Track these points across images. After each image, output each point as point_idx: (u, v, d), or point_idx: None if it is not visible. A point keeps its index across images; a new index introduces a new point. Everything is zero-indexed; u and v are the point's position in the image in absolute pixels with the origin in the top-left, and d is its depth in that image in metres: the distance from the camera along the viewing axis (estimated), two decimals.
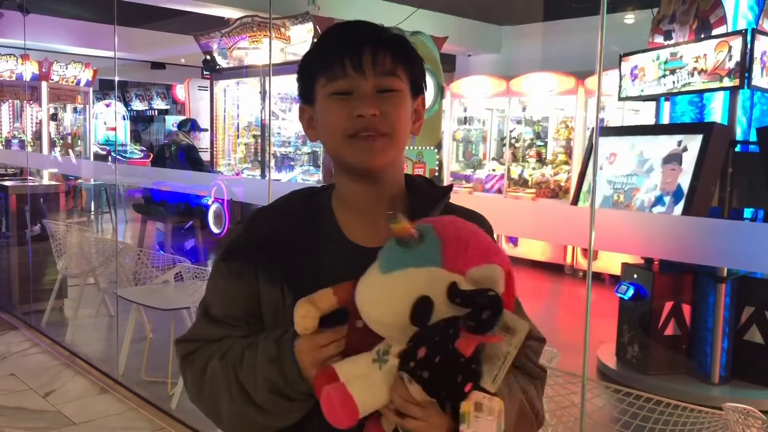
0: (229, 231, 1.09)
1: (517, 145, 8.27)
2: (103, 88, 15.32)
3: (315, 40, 1.06)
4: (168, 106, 16.75)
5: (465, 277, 0.83)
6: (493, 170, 8.38)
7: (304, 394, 0.96)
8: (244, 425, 1.02)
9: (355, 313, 0.90)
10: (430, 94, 5.33)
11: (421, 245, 0.86)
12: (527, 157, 8.14)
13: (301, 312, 0.92)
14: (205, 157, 7.44)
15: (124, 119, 14.24)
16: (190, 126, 7.10)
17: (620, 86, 4.93)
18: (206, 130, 7.86)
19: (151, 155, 11.58)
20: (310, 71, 1.03)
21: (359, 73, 0.98)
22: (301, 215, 1.06)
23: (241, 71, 6.83)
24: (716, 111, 4.31)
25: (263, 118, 6.70)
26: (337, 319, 0.93)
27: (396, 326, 0.85)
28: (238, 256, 1.05)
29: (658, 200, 4.17)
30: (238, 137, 7.33)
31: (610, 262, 5.62)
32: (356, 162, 1.01)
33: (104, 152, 11.78)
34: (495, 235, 1.17)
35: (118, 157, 8.57)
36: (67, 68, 10.00)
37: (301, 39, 5.95)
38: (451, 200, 1.12)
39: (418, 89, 1.06)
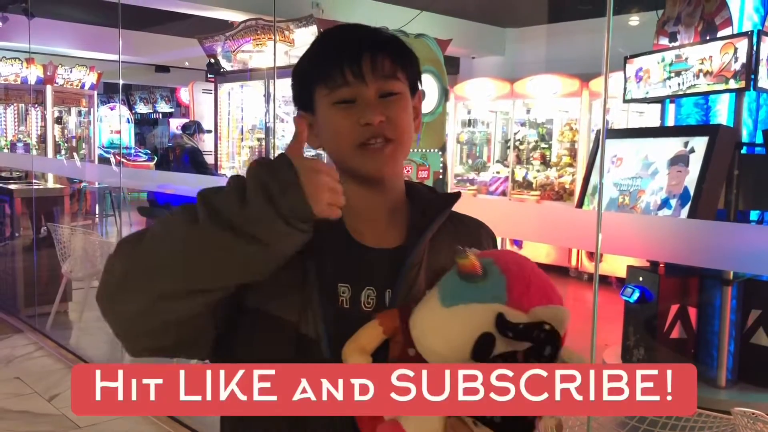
0: None
1: (521, 147, 8.27)
2: (108, 92, 15.37)
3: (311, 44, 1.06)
4: (172, 109, 16.81)
5: (527, 315, 0.83)
6: (498, 173, 8.38)
7: (307, 223, 0.84)
8: (208, 266, 0.84)
9: (407, 342, 0.90)
10: (434, 97, 5.32)
11: (485, 281, 0.86)
12: (531, 159, 8.14)
13: (354, 362, 0.91)
14: (210, 159, 7.45)
15: (129, 122, 14.28)
16: (194, 129, 7.11)
17: (625, 88, 4.92)
18: (210, 131, 7.86)
19: (155, 158, 11.61)
20: (308, 79, 1.02)
21: (360, 80, 0.97)
22: None
23: (245, 74, 6.84)
24: (722, 113, 4.29)
25: (267, 120, 6.71)
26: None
27: (454, 360, 0.85)
28: None
29: (664, 203, 4.16)
30: (242, 140, 7.34)
31: (616, 265, 5.61)
32: (367, 171, 1.00)
33: (108, 155, 11.82)
34: (498, 241, 1.17)
35: (122, 159, 8.60)
36: (71, 72, 10.04)
37: (305, 42, 5.96)
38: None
39: (415, 87, 1.06)
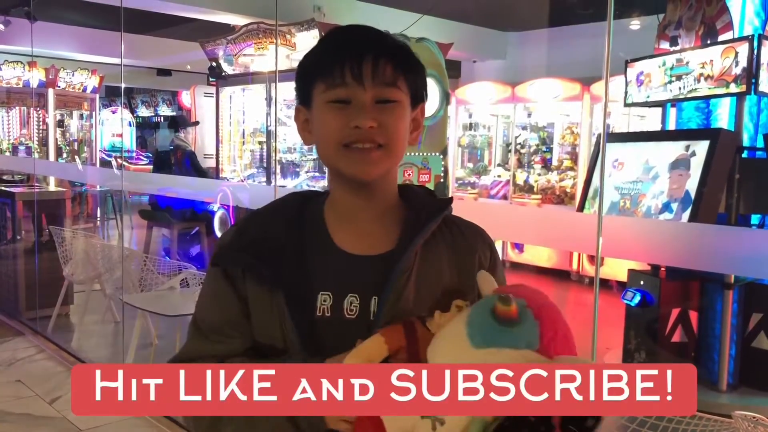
0: (221, 235, 1.08)
1: (522, 151, 8.27)
2: (110, 95, 15.40)
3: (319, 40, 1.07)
4: (174, 113, 16.81)
5: (552, 361, 0.82)
6: (499, 176, 8.38)
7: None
8: None
9: (411, 361, 0.88)
10: (435, 100, 5.33)
11: (519, 326, 0.84)
12: (533, 163, 8.14)
13: None
14: (211, 163, 7.45)
15: (130, 126, 14.30)
16: (184, 125, 7.09)
17: (626, 92, 4.93)
18: (197, 123, 7.85)
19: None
20: (309, 74, 1.01)
21: (358, 83, 0.96)
22: (293, 219, 1.05)
23: (246, 78, 6.84)
24: (723, 117, 4.29)
25: (269, 124, 6.71)
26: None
27: None
28: (228, 259, 1.03)
29: (666, 206, 4.16)
30: (243, 144, 7.34)
31: (617, 269, 5.60)
32: (350, 173, 0.99)
33: (110, 158, 11.83)
34: (500, 244, 1.16)
35: (123, 163, 8.61)
36: (73, 75, 10.06)
37: (306, 46, 5.95)
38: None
39: (418, 99, 1.04)
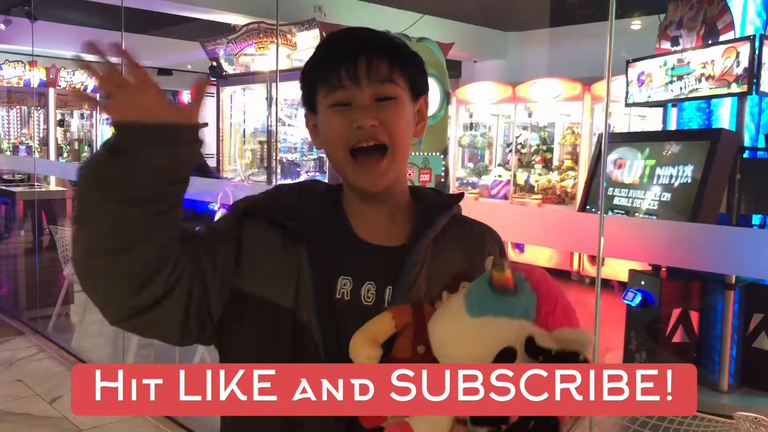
0: (246, 196, 1.09)
1: (523, 151, 8.27)
2: None
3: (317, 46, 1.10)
4: None
5: (551, 334, 0.82)
6: (499, 176, 8.38)
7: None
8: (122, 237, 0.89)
9: (416, 339, 0.90)
10: (436, 100, 5.33)
11: (516, 296, 0.85)
12: (533, 163, 8.13)
13: (365, 352, 0.92)
14: (211, 162, 7.45)
15: None
16: None
17: (627, 92, 4.92)
18: (206, 125, 7.79)
19: None
20: (311, 81, 1.04)
21: (355, 83, 0.98)
22: (320, 199, 1.08)
23: (247, 77, 6.84)
24: (724, 117, 4.29)
25: (269, 124, 6.71)
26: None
27: None
28: (262, 213, 1.03)
29: (666, 207, 4.15)
30: (244, 143, 7.34)
31: (618, 269, 5.60)
32: (359, 185, 1.02)
33: None
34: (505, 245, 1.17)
35: None
36: (74, 74, 10.05)
37: (307, 45, 5.96)
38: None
39: (418, 91, 1.06)
